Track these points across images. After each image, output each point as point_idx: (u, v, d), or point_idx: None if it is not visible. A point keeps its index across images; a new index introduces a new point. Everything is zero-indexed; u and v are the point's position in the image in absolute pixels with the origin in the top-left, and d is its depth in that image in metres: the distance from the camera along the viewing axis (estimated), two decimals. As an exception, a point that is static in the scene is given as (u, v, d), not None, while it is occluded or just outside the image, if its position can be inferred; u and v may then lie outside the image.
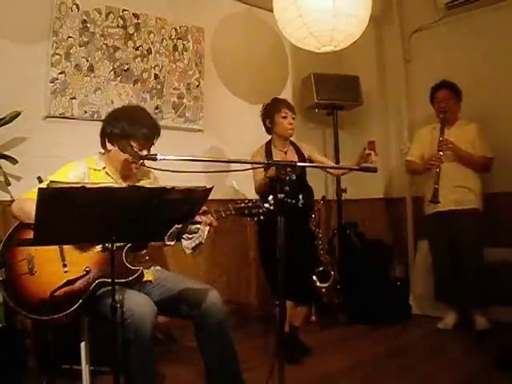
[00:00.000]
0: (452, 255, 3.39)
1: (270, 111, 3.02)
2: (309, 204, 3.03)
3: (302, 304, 3.02)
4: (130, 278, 1.91)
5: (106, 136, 2.06)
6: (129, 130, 1.99)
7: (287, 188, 2.89)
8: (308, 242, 3.08)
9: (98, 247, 1.92)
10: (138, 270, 1.94)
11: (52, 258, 1.88)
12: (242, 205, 2.07)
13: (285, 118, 2.97)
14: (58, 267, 1.88)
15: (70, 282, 1.85)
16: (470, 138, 3.33)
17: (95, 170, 2.06)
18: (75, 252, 1.91)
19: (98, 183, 1.60)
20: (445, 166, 3.26)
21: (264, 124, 3.08)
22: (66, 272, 1.87)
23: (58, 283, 1.84)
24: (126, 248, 1.93)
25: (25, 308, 1.83)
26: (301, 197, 2.76)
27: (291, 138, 3.07)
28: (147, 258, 2.11)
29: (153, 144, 2.09)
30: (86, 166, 2.06)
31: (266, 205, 2.01)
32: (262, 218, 2.06)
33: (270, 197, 1.97)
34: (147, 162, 1.93)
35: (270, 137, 3.08)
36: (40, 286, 1.84)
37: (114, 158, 2.06)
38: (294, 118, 3.01)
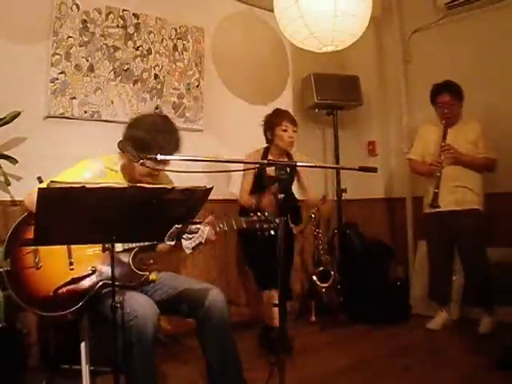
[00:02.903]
0: (450, 255, 3.40)
1: (271, 124, 3.03)
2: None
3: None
4: (136, 283, 1.92)
5: (126, 141, 1.98)
6: (148, 141, 1.89)
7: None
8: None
9: (117, 248, 1.89)
10: (144, 275, 1.95)
11: (59, 255, 1.86)
12: (254, 218, 2.06)
13: (285, 131, 2.98)
14: (64, 264, 1.87)
15: (74, 281, 1.84)
16: (472, 137, 3.29)
17: (112, 170, 2.03)
18: (83, 250, 1.90)
19: (99, 183, 1.60)
20: (445, 168, 3.25)
21: (265, 135, 3.09)
22: (71, 270, 1.87)
23: (62, 280, 1.83)
24: (133, 252, 1.93)
25: (26, 301, 1.82)
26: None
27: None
28: (151, 261, 2.10)
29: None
30: (104, 164, 2.02)
31: (278, 220, 1.99)
32: (272, 233, 2.03)
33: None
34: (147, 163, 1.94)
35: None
36: (44, 281, 1.83)
37: (131, 165, 2.01)
38: (295, 131, 3.01)
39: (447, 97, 3.29)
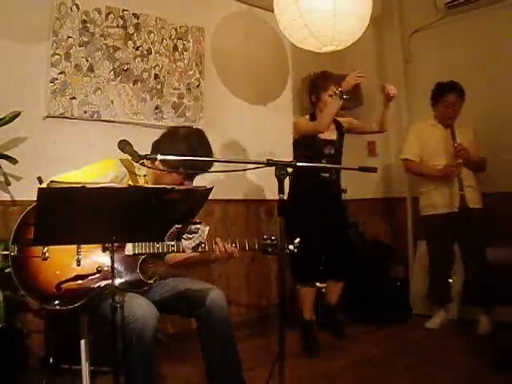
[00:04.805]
0: (451, 256, 3.39)
1: (316, 87, 2.91)
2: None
3: (336, 281, 3.05)
4: (140, 290, 1.91)
5: (158, 151, 1.93)
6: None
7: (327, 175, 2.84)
8: (337, 222, 3.02)
9: (127, 251, 1.90)
10: (150, 283, 1.94)
11: (68, 249, 1.84)
12: (268, 241, 2.04)
13: (331, 96, 2.85)
14: (72, 260, 1.85)
15: (79, 277, 1.83)
16: (471, 139, 3.33)
17: (136, 174, 2.02)
18: (93, 249, 1.89)
19: (99, 183, 1.59)
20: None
21: (309, 98, 2.97)
22: (77, 266, 1.85)
23: (67, 275, 1.81)
24: (140, 260, 1.92)
25: (27, 288, 1.79)
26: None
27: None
28: (153, 264, 2.09)
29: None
30: (126, 167, 2.00)
31: (291, 246, 1.97)
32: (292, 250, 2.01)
33: (297, 240, 1.94)
34: (147, 163, 1.94)
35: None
36: (48, 274, 1.81)
37: (157, 174, 2.01)
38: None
39: (454, 97, 3.27)
